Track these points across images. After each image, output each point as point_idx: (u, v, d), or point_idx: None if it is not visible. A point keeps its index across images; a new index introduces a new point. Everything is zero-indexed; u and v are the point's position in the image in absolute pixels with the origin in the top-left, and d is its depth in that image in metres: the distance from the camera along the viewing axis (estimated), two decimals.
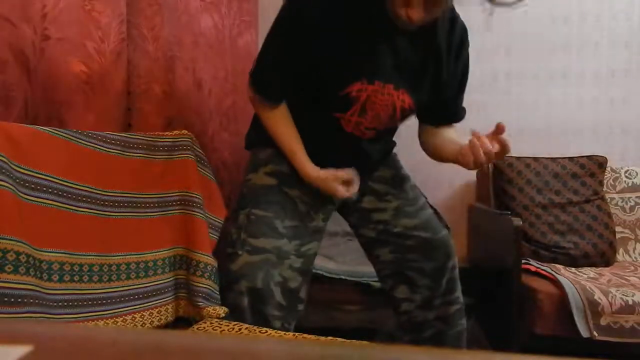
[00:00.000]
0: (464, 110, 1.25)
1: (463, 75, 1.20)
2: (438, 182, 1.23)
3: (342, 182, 1.11)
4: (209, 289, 1.14)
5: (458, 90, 1.21)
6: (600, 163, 1.94)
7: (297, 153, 1.15)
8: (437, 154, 1.23)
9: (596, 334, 1.40)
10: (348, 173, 1.11)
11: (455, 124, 1.25)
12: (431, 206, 1.32)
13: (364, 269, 1.74)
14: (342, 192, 1.11)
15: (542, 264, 1.73)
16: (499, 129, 0.98)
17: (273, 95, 1.15)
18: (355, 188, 1.12)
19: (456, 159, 1.07)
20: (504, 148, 0.98)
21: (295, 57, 1.08)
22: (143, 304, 1.06)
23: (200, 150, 1.24)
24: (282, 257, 1.11)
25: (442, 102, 1.19)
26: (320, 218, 1.23)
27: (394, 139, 1.32)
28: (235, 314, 1.08)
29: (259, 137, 1.21)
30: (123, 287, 1.02)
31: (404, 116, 1.17)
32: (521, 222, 1.54)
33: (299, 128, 1.16)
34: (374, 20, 1.04)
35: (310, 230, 1.19)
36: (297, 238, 1.15)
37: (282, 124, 1.16)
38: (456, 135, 1.22)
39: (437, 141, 1.22)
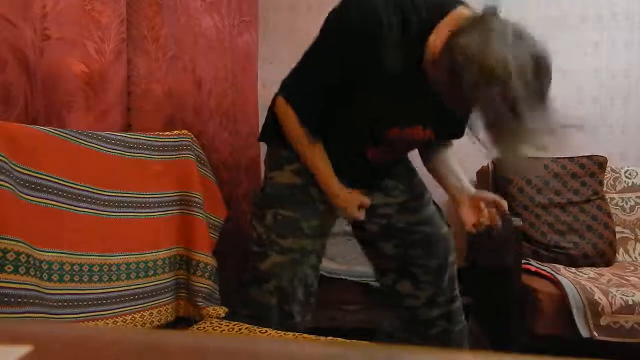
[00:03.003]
0: (466, 125, 1.20)
1: None
2: None
3: (359, 205, 1.15)
4: (209, 289, 1.14)
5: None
6: (600, 163, 1.94)
7: (329, 177, 1.14)
8: (436, 178, 1.25)
9: (596, 334, 1.40)
10: (367, 199, 1.15)
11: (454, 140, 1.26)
12: (434, 202, 1.33)
13: (364, 269, 1.73)
14: (358, 215, 1.15)
15: (542, 264, 1.72)
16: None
17: (314, 127, 1.12)
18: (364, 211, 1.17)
19: (457, 210, 1.15)
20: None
21: (340, 98, 1.06)
22: (143, 304, 1.06)
23: (200, 150, 1.24)
24: (305, 256, 1.16)
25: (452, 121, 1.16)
26: (334, 217, 1.26)
27: None
28: (260, 311, 1.13)
29: (282, 135, 1.18)
30: (123, 287, 1.02)
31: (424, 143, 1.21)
32: (521, 222, 1.54)
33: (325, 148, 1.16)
34: (412, 67, 0.99)
35: (326, 229, 1.25)
36: (318, 237, 1.20)
37: (317, 155, 1.15)
38: (453, 157, 1.24)
39: (440, 168, 1.23)
